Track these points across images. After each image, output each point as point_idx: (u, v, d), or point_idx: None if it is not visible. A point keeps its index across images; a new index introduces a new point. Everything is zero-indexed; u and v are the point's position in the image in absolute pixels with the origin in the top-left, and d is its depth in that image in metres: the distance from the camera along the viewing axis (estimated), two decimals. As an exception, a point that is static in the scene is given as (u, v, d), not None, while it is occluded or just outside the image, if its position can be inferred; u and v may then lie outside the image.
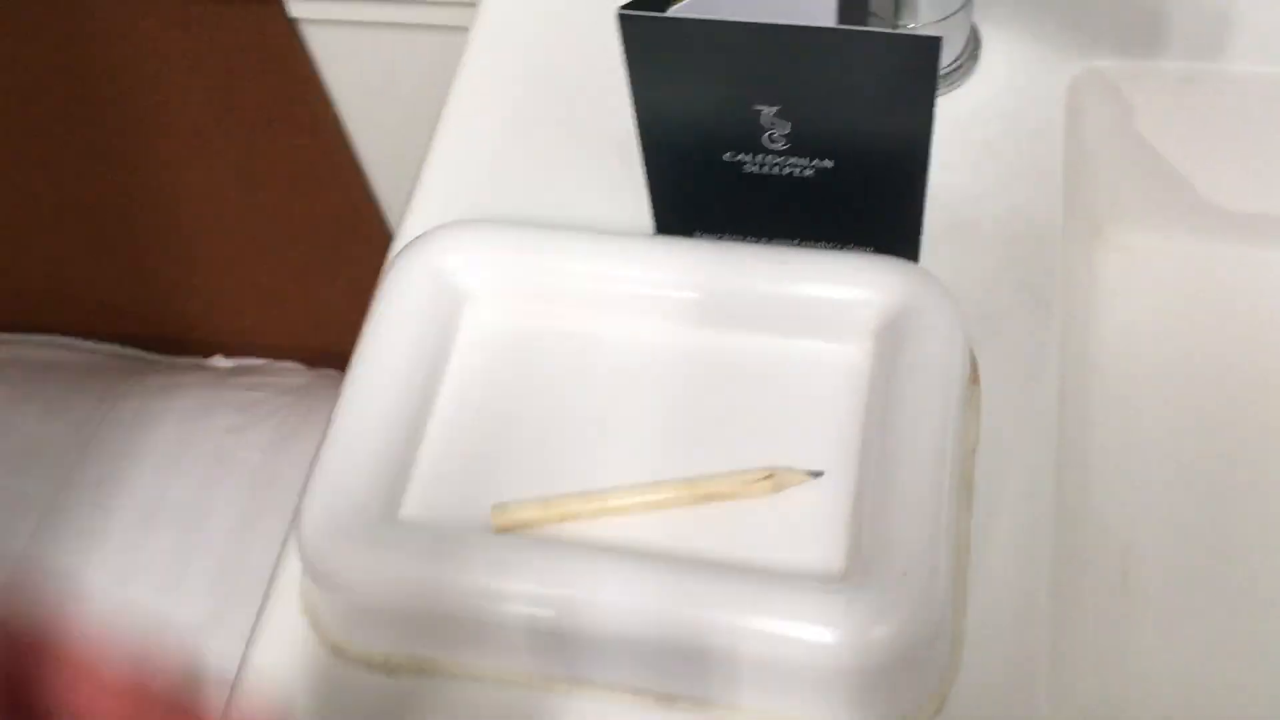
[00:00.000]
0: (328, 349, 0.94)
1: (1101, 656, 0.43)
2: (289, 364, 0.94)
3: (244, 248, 0.89)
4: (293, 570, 0.40)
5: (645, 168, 0.41)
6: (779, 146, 0.39)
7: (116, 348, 0.97)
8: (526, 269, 0.41)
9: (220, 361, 0.95)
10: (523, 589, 0.35)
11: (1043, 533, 0.38)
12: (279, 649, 0.39)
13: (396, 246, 0.46)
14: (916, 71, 0.36)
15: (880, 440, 0.37)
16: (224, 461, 0.83)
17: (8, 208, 0.89)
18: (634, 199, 0.44)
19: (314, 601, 0.38)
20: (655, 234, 0.43)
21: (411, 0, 0.60)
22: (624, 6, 0.36)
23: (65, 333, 0.96)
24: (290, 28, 0.64)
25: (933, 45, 0.34)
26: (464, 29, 0.53)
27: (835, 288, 0.39)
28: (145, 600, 0.78)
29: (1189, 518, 0.45)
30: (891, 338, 0.38)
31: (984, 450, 0.40)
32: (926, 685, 0.35)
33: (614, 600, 0.34)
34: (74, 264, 0.94)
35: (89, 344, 0.96)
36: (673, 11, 0.36)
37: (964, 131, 0.46)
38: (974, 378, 0.41)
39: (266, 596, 0.40)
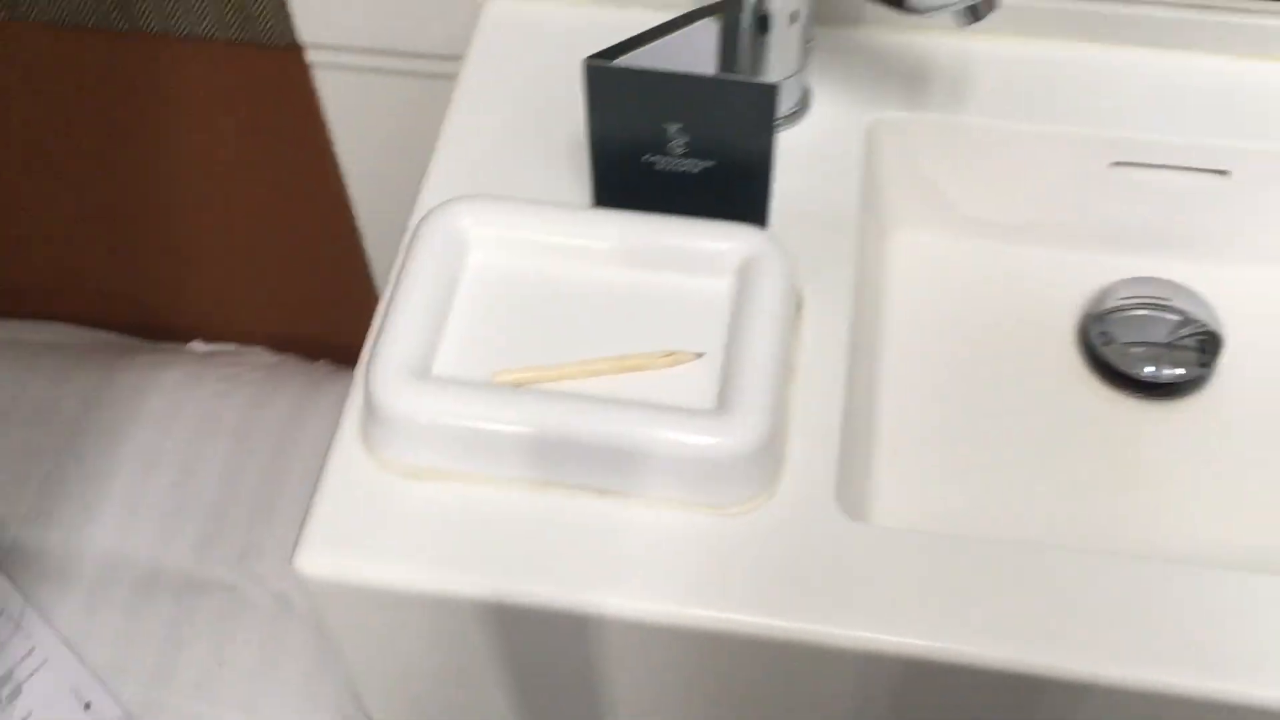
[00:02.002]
0: (294, 336, 1.13)
1: (877, 483, 0.65)
2: (258, 349, 1.12)
3: (228, 251, 1.07)
4: (353, 419, 0.59)
5: (591, 165, 0.63)
6: (679, 152, 0.61)
7: (107, 334, 1.14)
8: (512, 227, 0.62)
9: (198, 346, 1.13)
10: (510, 414, 0.56)
11: (835, 404, 0.60)
12: (342, 469, 0.58)
13: (415, 216, 0.66)
14: (762, 106, 0.58)
15: (739, 336, 0.58)
16: (211, 419, 1.01)
17: (25, 212, 1.06)
18: (579, 188, 0.67)
19: (370, 431, 0.58)
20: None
21: (408, 54, 0.81)
22: (588, 58, 0.58)
23: (62, 320, 1.13)
24: (305, 70, 0.85)
25: (771, 90, 0.57)
26: (451, 76, 0.74)
27: (711, 241, 0.61)
28: (149, 530, 0.95)
29: (940, 410, 0.68)
30: (747, 274, 0.60)
31: (803, 353, 0.62)
32: (763, 479, 0.57)
33: (569, 421, 0.55)
34: (73, 260, 1.11)
35: (83, 330, 1.13)
36: (618, 63, 0.58)
37: (799, 154, 0.69)
38: (800, 306, 0.63)
39: (334, 437, 0.59)
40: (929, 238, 0.75)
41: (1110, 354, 0.69)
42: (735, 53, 0.62)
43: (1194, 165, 0.70)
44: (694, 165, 0.62)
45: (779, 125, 0.70)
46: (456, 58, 0.75)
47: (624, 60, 0.59)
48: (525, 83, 0.73)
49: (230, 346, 1.13)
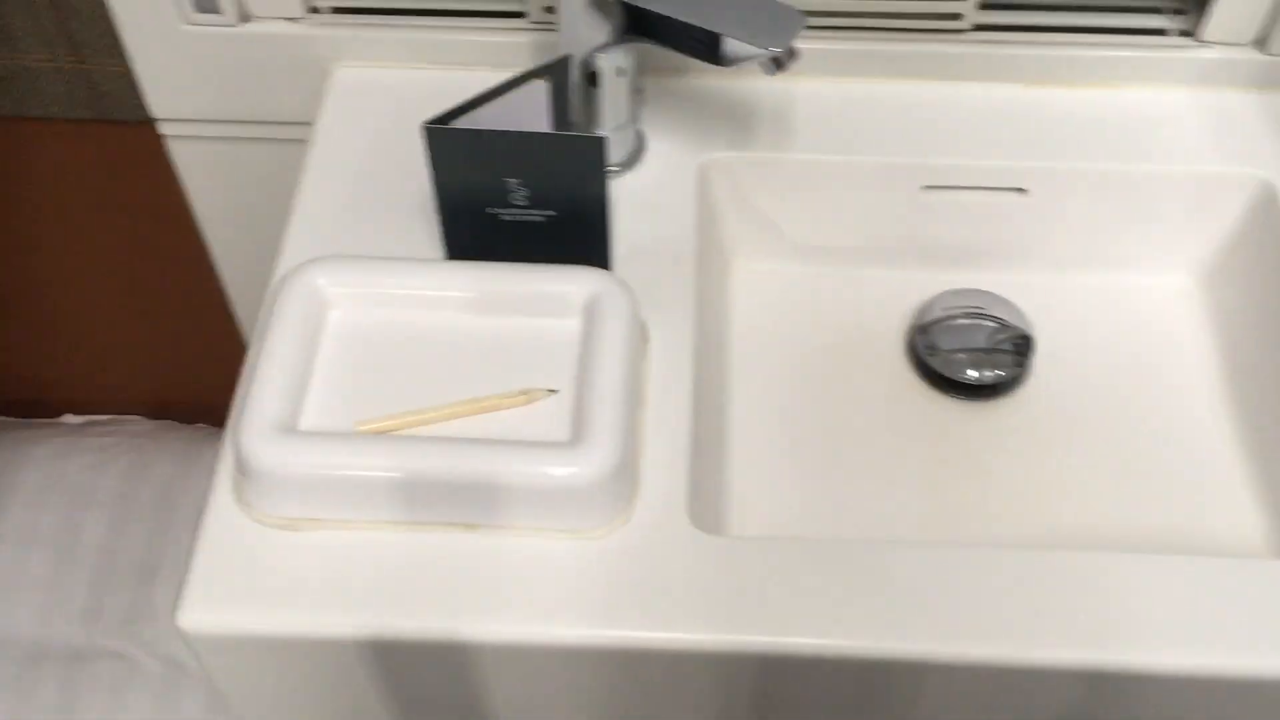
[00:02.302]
0: (170, 402, 1.13)
1: (731, 496, 0.70)
2: (134, 417, 1.13)
3: (97, 322, 1.08)
4: (225, 478, 0.62)
5: (439, 220, 0.67)
6: (522, 203, 0.65)
7: (-28, 413, 1.13)
8: (368, 284, 0.65)
9: (70, 419, 1.13)
10: (375, 461, 0.59)
11: (684, 427, 0.64)
12: (218, 526, 0.61)
13: (275, 279, 0.69)
14: (592, 157, 0.63)
15: (589, 371, 0.63)
16: (89, 490, 1.01)
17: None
18: (432, 241, 0.70)
19: (243, 487, 0.61)
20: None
21: (261, 122, 0.84)
22: (427, 122, 0.62)
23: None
24: (160, 143, 0.87)
25: (599, 142, 0.62)
26: (305, 141, 0.78)
27: (557, 285, 0.65)
28: (32, 606, 0.95)
29: (787, 423, 0.73)
30: (592, 313, 0.65)
31: (652, 381, 0.66)
32: (620, 502, 0.61)
33: (432, 463, 0.59)
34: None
35: (-52, 410, 1.12)
36: (456, 125, 0.62)
37: (638, 196, 0.74)
38: (645, 338, 0.68)
39: (208, 495, 0.62)
40: (767, 265, 0.80)
41: (936, 362, 0.75)
42: (567, 108, 0.67)
43: (996, 185, 0.77)
44: (537, 215, 0.66)
45: (615, 172, 0.75)
46: (308, 123, 0.79)
47: (461, 121, 0.63)
48: (375, 144, 0.76)
49: (105, 417, 1.13)
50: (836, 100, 0.79)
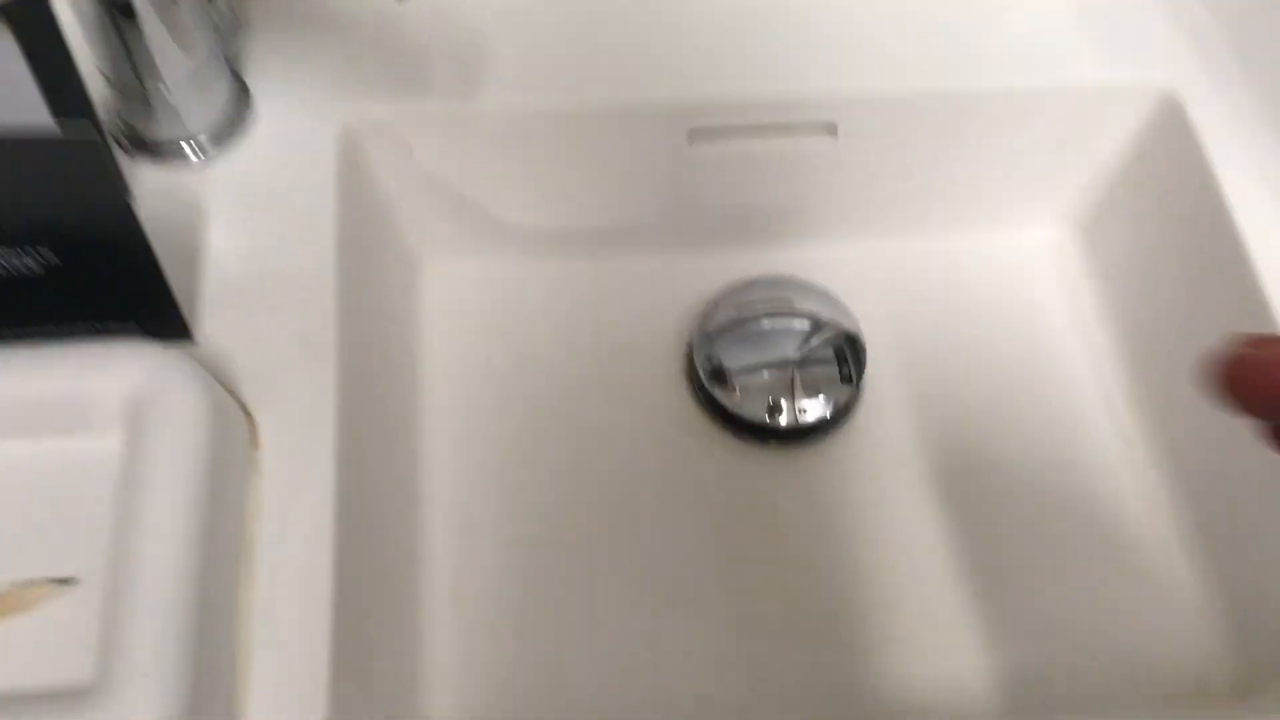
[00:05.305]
0: None
1: (429, 677, 0.45)
2: None
3: None
4: None
5: None
6: (-7, 248, 0.38)
7: None
8: None
9: None
10: None
11: (322, 593, 0.39)
12: None
13: None
14: (94, 169, 0.35)
15: (127, 539, 0.36)
16: None
17: None
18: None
19: None
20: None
21: None
22: None
23: None
24: None
25: (92, 145, 0.34)
26: None
27: (70, 382, 0.38)
28: None
29: (516, 527, 0.49)
30: (140, 425, 0.38)
31: (270, 508, 0.41)
32: (198, 764, 0.36)
33: None
34: None
35: None
36: None
37: (244, 187, 0.47)
38: (253, 442, 0.42)
39: None
40: (473, 268, 0.54)
41: (728, 396, 0.51)
42: (63, 67, 0.39)
43: (794, 121, 0.52)
44: (30, 264, 0.38)
45: (202, 153, 0.47)
46: None
47: None
48: None
49: None
50: (552, 9, 0.52)
